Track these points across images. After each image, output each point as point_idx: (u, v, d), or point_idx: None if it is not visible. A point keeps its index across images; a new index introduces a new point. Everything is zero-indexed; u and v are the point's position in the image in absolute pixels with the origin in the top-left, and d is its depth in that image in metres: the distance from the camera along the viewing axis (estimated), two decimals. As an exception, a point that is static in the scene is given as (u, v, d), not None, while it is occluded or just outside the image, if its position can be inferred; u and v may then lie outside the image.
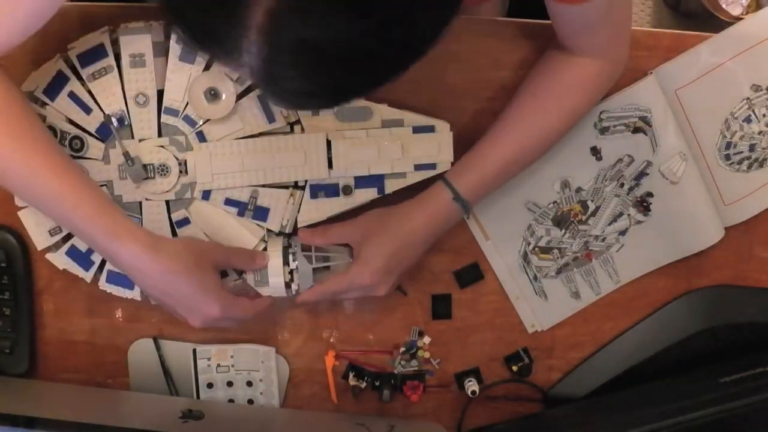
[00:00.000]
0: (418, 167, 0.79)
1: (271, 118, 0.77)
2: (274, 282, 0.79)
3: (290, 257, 0.79)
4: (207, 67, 0.76)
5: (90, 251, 0.80)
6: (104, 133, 0.78)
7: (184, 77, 0.76)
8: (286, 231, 0.80)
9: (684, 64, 0.82)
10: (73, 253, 0.80)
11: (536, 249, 0.88)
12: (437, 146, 0.79)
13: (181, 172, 0.78)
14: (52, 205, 0.69)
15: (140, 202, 0.79)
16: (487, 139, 0.77)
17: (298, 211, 0.80)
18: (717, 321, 0.89)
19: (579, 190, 0.86)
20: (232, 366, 0.89)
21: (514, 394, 0.92)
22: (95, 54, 0.76)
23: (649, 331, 0.90)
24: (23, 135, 0.68)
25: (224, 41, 0.43)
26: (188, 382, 0.89)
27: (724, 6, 1.54)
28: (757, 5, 1.57)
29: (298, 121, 0.79)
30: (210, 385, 0.89)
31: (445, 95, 0.82)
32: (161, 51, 0.76)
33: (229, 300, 0.74)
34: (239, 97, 0.76)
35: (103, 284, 0.81)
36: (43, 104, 0.78)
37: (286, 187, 0.79)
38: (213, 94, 0.75)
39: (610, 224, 0.87)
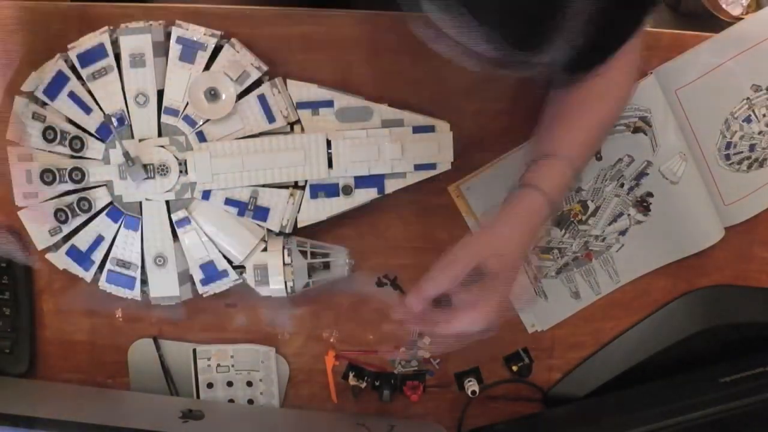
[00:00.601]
0: (418, 167, 0.79)
1: (271, 118, 0.77)
2: (275, 281, 0.79)
3: (285, 252, 0.79)
4: (207, 67, 0.76)
5: (90, 251, 0.80)
6: (104, 133, 0.78)
7: (184, 77, 0.76)
8: (286, 231, 0.80)
9: (684, 64, 0.82)
10: (73, 253, 0.80)
11: (536, 249, 0.88)
12: (437, 146, 0.79)
13: (181, 172, 0.78)
14: None
15: (140, 202, 0.79)
16: (559, 131, 0.72)
17: (298, 211, 0.80)
18: (717, 321, 0.89)
19: (579, 190, 0.86)
20: (232, 366, 0.89)
21: (514, 394, 0.92)
22: (95, 54, 0.76)
23: (649, 331, 0.90)
24: None
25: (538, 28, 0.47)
26: (188, 382, 0.89)
27: (724, 6, 1.54)
28: (757, 5, 1.57)
29: (298, 121, 0.79)
30: (210, 385, 0.89)
31: (445, 95, 0.82)
32: (161, 51, 0.76)
33: None
34: (239, 97, 0.76)
35: (103, 284, 0.81)
36: (43, 104, 0.78)
37: (286, 187, 0.79)
38: (213, 94, 0.75)
39: (610, 224, 0.87)
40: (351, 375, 0.88)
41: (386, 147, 0.78)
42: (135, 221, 0.79)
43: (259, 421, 0.87)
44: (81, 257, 0.80)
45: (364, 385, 0.88)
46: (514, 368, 0.90)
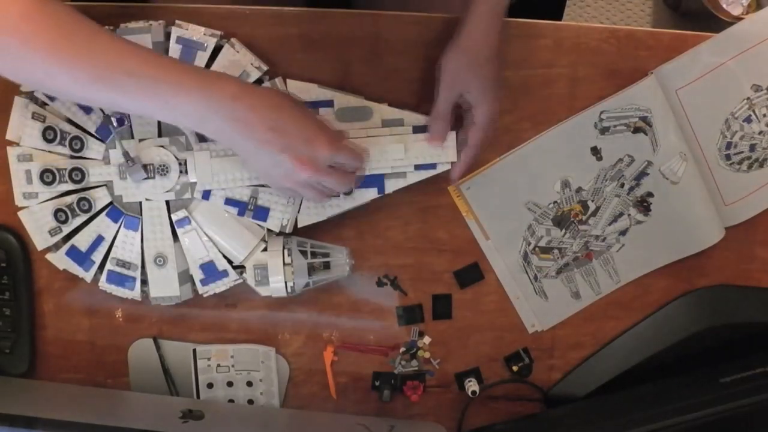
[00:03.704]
0: (419, 167, 0.79)
1: (271, 118, 0.77)
2: (275, 281, 0.79)
3: (285, 252, 0.79)
4: (207, 67, 0.76)
5: (90, 251, 0.80)
6: (104, 133, 0.78)
7: (184, 77, 0.76)
8: (287, 231, 0.80)
9: (684, 64, 0.82)
10: (73, 253, 0.80)
11: (536, 249, 0.88)
12: (440, 146, 0.78)
13: (181, 172, 0.78)
14: (129, 84, 0.64)
15: (140, 202, 0.79)
16: None
17: (298, 211, 0.80)
18: (717, 321, 0.89)
19: (579, 190, 0.86)
20: (232, 366, 0.89)
21: (514, 394, 0.92)
22: (95, 54, 0.75)
23: (650, 331, 0.90)
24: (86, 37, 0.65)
25: None
26: (188, 382, 0.89)
27: (724, 6, 1.55)
28: (757, 5, 1.57)
29: (298, 121, 0.79)
30: (210, 385, 0.89)
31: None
32: (161, 51, 0.76)
33: (336, 133, 0.73)
34: (239, 97, 0.76)
35: (103, 284, 0.81)
36: (43, 104, 0.78)
37: (286, 187, 0.79)
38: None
39: (610, 224, 0.87)
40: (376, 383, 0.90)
41: (388, 147, 0.78)
42: (135, 221, 0.79)
43: (259, 421, 0.87)
44: (81, 257, 0.80)
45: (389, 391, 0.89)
46: (515, 368, 0.90)
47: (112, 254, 0.80)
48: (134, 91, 0.64)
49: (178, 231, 0.79)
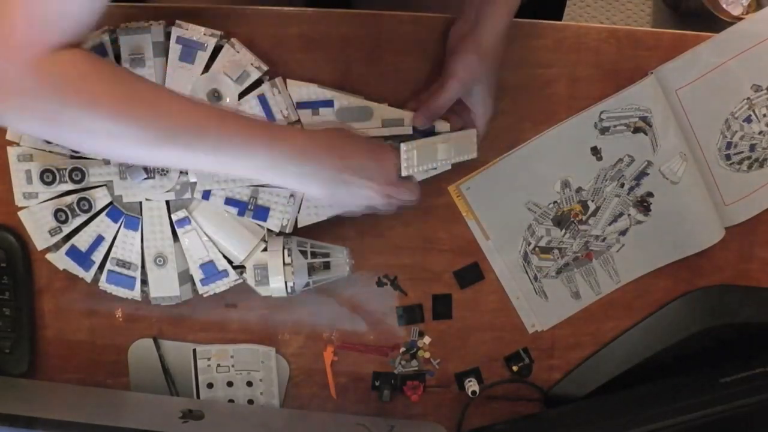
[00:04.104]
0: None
1: (271, 118, 0.77)
2: (275, 281, 0.79)
3: (285, 252, 0.79)
4: (207, 68, 0.76)
5: (90, 251, 0.80)
6: (104, 133, 0.77)
7: (184, 77, 0.76)
8: (287, 231, 0.80)
9: (684, 64, 0.82)
10: (73, 253, 0.80)
11: (536, 249, 0.88)
12: (468, 143, 0.79)
13: (181, 172, 0.78)
14: (199, 140, 0.65)
15: (140, 202, 0.79)
16: None
17: (298, 211, 0.80)
18: (717, 321, 0.89)
19: (579, 190, 0.86)
20: (232, 366, 0.89)
21: (514, 394, 0.92)
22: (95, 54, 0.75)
23: (650, 331, 0.90)
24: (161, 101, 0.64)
25: None
26: (188, 382, 0.89)
27: (724, 6, 1.55)
28: (757, 5, 1.57)
29: (298, 121, 0.79)
30: (210, 385, 0.89)
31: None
32: (161, 51, 0.76)
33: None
34: (239, 96, 0.76)
35: (103, 284, 0.81)
36: (43, 104, 0.78)
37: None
38: (216, 96, 0.76)
39: (610, 224, 0.87)
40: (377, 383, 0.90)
41: (438, 148, 0.78)
42: (135, 221, 0.79)
43: (259, 421, 0.87)
44: (81, 257, 0.80)
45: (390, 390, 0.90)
46: (515, 368, 0.90)
47: (112, 254, 0.80)
48: (201, 148, 0.65)
49: (178, 231, 0.79)
